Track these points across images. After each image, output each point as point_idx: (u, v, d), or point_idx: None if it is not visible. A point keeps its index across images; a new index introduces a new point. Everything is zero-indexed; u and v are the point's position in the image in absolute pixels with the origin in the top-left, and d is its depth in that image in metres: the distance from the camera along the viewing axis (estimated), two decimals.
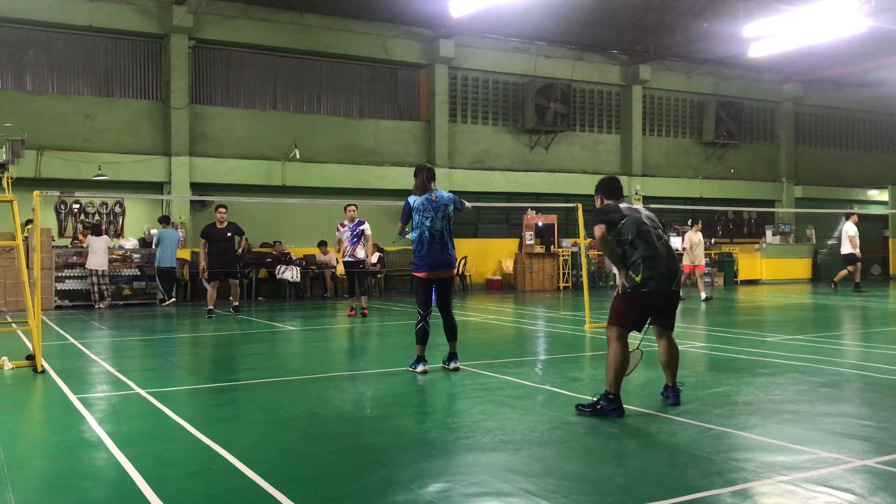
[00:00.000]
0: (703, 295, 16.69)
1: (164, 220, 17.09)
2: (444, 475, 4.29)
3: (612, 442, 4.96)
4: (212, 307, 13.79)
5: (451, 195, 7.74)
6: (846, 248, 18.93)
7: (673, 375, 5.97)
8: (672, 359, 5.95)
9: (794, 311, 14.87)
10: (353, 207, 13.08)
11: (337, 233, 13.42)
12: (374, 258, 19.88)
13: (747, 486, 4.00)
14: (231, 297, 14.64)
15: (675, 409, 5.75)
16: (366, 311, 13.53)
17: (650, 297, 5.65)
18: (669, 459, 4.51)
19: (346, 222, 13.19)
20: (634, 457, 4.63)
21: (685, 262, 16.87)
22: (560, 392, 6.58)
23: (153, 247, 16.74)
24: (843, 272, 19.17)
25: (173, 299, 16.88)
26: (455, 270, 8.05)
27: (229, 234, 13.90)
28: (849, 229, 18.83)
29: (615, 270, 6.03)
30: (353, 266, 13.23)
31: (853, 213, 20.06)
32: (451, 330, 7.66)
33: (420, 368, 7.42)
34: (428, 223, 7.41)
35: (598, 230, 5.67)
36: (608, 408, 5.52)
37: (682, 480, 4.11)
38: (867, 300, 16.60)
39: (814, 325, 12.42)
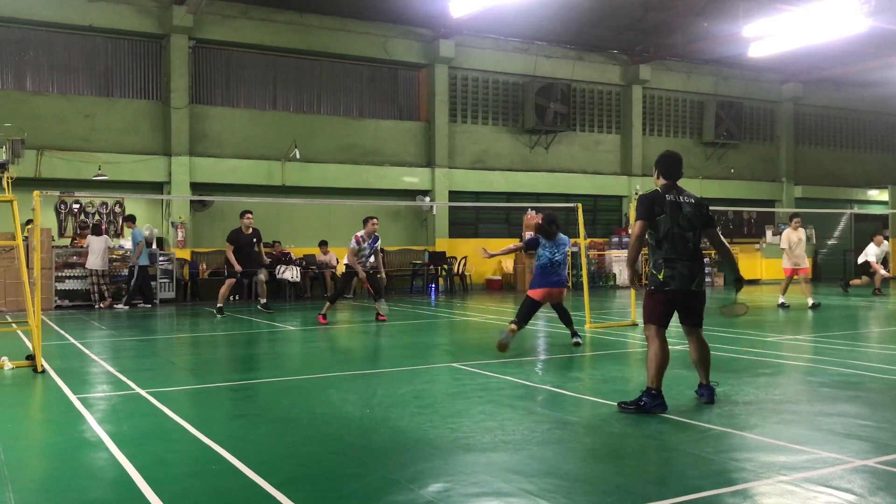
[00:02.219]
0: (810, 302, 14.71)
1: (131, 220, 16.91)
2: (444, 475, 4.29)
3: (612, 442, 4.96)
4: (221, 305, 13.87)
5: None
6: (865, 258, 18.49)
7: (706, 373, 6.05)
8: (703, 356, 6.02)
9: (793, 311, 14.86)
10: (376, 221, 12.90)
11: (355, 245, 12.72)
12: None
13: (747, 486, 4.00)
14: (259, 296, 14.67)
15: (675, 409, 5.75)
16: (383, 317, 13.08)
17: (673, 294, 5.81)
18: (669, 459, 4.52)
19: (363, 235, 12.74)
20: (634, 457, 4.63)
21: (784, 264, 15.25)
22: (560, 392, 6.58)
23: (137, 247, 16.02)
24: (859, 280, 18.61)
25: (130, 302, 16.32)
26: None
27: (254, 240, 14.00)
28: (869, 251, 18.42)
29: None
30: (370, 276, 13.04)
31: (878, 235, 18.84)
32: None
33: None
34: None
35: (639, 227, 5.87)
36: (651, 403, 5.61)
37: (682, 480, 4.11)
38: (871, 301, 16.59)
39: (814, 325, 12.41)
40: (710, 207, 6.26)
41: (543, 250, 9.29)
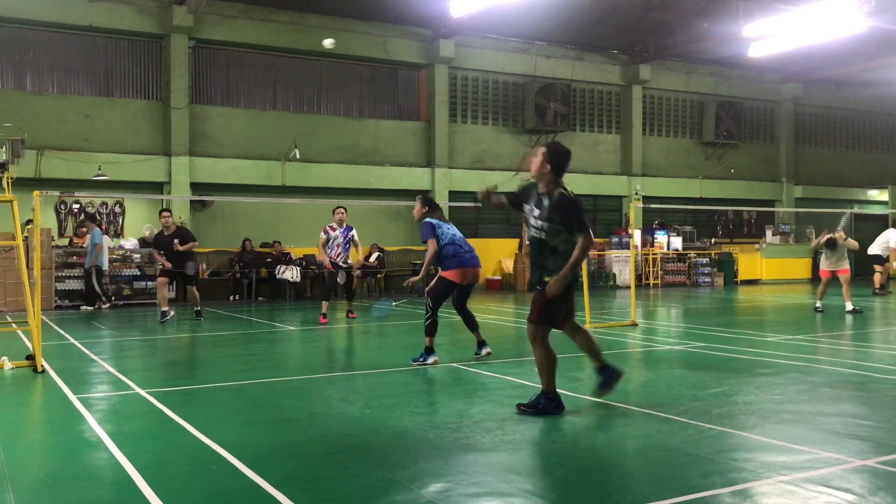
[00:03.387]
0: (849, 306, 13.63)
1: (92, 219, 16.78)
2: (444, 475, 4.29)
3: (612, 442, 4.95)
4: (165, 309, 13.12)
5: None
6: (875, 249, 17.92)
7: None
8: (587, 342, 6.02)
9: (794, 311, 14.87)
10: (343, 210, 12.66)
11: (324, 235, 12.68)
12: (373, 258, 19.93)
13: (747, 486, 4.00)
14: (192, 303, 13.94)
15: (675, 410, 5.74)
16: (353, 314, 13.33)
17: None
18: (669, 459, 4.51)
19: (335, 225, 12.65)
20: (634, 457, 4.63)
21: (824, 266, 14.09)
22: (560, 392, 6.57)
23: (95, 249, 15.70)
24: (878, 276, 18.11)
25: (109, 303, 16.17)
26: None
27: (175, 240, 13.05)
28: (892, 237, 17.72)
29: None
30: (343, 270, 12.89)
31: None
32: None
33: None
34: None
35: (588, 236, 5.48)
36: (550, 406, 5.61)
37: (682, 480, 4.11)
38: (866, 300, 16.59)
39: (814, 325, 12.41)
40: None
41: (442, 229, 8.29)
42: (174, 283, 14.34)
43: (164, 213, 13.09)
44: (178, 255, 12.88)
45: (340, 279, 13.07)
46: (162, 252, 12.91)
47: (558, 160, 5.62)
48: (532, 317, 5.66)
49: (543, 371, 5.67)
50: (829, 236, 13.87)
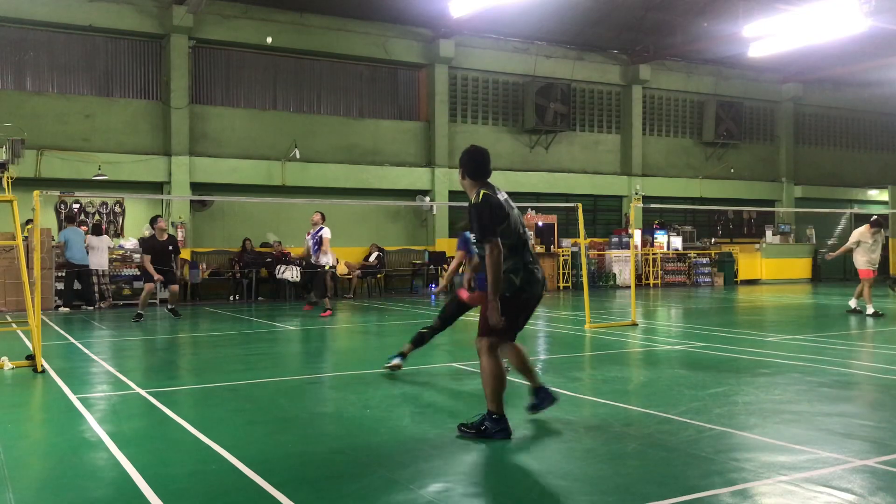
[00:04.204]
0: (871, 309, 12.93)
1: (70, 220, 16.77)
2: (444, 475, 4.29)
3: (612, 442, 4.95)
4: (141, 312, 13.39)
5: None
6: None
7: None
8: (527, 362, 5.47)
9: (794, 310, 14.87)
10: (318, 214, 13.55)
11: (305, 239, 14.21)
12: (373, 258, 19.93)
13: (747, 486, 4.00)
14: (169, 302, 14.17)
15: (675, 410, 5.74)
16: (308, 307, 14.60)
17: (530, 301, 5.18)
18: (669, 459, 4.51)
19: (310, 229, 13.76)
20: (634, 457, 4.63)
21: (862, 265, 13.35)
22: (560, 392, 6.57)
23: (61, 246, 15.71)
24: None
25: (105, 301, 16.15)
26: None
27: (170, 247, 13.52)
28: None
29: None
30: (314, 268, 13.94)
31: None
32: None
33: None
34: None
35: (496, 244, 4.85)
36: (494, 429, 4.96)
37: (682, 480, 4.11)
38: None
39: (814, 325, 12.41)
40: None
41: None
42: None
43: (161, 220, 13.57)
44: (169, 262, 13.32)
45: (288, 275, 14.71)
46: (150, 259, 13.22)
47: (468, 165, 5.15)
48: (478, 327, 5.17)
49: (486, 387, 5.03)
50: (875, 218, 13.34)
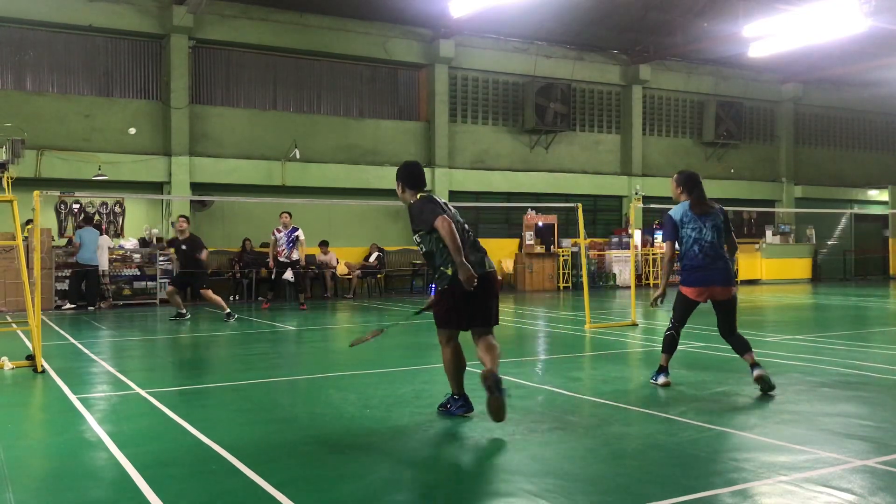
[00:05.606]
0: None
1: (88, 220, 16.71)
2: (445, 475, 4.29)
3: (612, 442, 4.95)
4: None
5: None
6: None
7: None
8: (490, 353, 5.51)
9: (794, 311, 14.87)
10: (287, 215, 14.91)
11: (272, 236, 15.09)
12: (373, 258, 19.93)
13: (747, 486, 4.00)
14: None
15: (675, 410, 5.74)
16: (304, 306, 15.34)
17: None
18: (669, 459, 4.51)
19: (280, 228, 14.87)
20: (634, 457, 4.63)
21: None
22: (560, 392, 6.58)
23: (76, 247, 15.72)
24: None
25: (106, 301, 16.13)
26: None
27: (183, 247, 13.65)
28: None
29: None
30: (287, 266, 14.91)
31: None
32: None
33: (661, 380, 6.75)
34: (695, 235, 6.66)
35: (443, 219, 5.26)
36: (453, 406, 5.61)
37: (682, 480, 4.11)
38: (866, 300, 16.59)
39: (814, 325, 12.41)
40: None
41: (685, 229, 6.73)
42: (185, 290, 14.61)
43: (182, 219, 13.82)
44: (193, 262, 13.48)
45: (288, 276, 15.07)
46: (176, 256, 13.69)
47: (407, 178, 5.67)
48: None
49: (447, 372, 5.63)
50: None
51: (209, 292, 13.46)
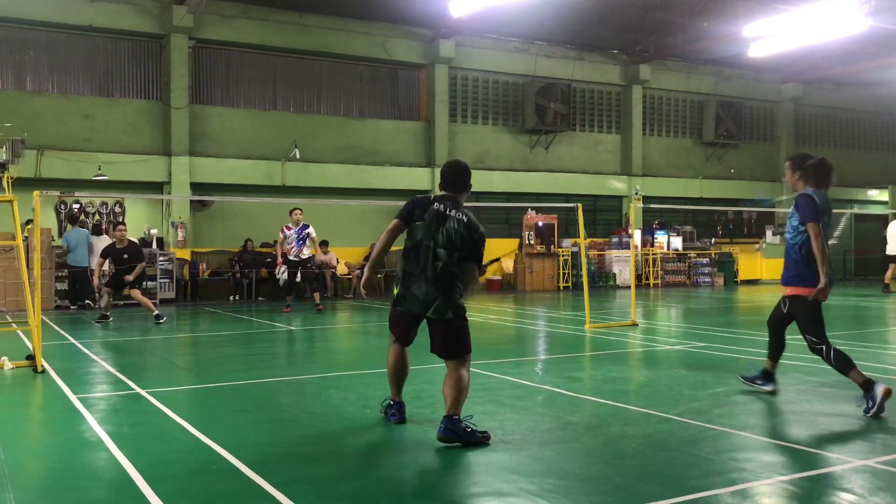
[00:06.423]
0: None
1: (73, 220, 16.64)
2: (445, 475, 4.29)
3: (612, 442, 4.95)
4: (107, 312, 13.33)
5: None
6: (890, 249, 17.96)
7: (449, 404, 5.00)
8: (449, 390, 5.05)
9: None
10: (299, 211, 14.47)
11: (281, 234, 14.62)
12: None
13: (747, 486, 4.00)
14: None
15: (675, 410, 5.74)
16: (320, 307, 14.72)
17: (402, 316, 5.29)
18: (669, 459, 4.51)
19: (290, 225, 14.46)
20: (634, 457, 4.63)
21: None
22: (560, 392, 6.58)
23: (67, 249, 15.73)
24: (889, 272, 18.23)
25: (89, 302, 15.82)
26: None
27: (125, 255, 13.22)
28: (891, 229, 17.99)
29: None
30: (298, 265, 14.44)
31: None
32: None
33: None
34: None
35: (393, 223, 5.57)
36: (388, 412, 5.53)
37: (682, 480, 4.11)
38: (869, 301, 16.59)
39: None
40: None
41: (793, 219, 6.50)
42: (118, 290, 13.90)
43: (121, 227, 13.35)
44: (126, 268, 12.97)
45: (297, 276, 14.62)
46: (112, 263, 13.06)
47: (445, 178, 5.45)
48: None
49: (387, 374, 5.56)
50: None
51: (138, 293, 13.17)
